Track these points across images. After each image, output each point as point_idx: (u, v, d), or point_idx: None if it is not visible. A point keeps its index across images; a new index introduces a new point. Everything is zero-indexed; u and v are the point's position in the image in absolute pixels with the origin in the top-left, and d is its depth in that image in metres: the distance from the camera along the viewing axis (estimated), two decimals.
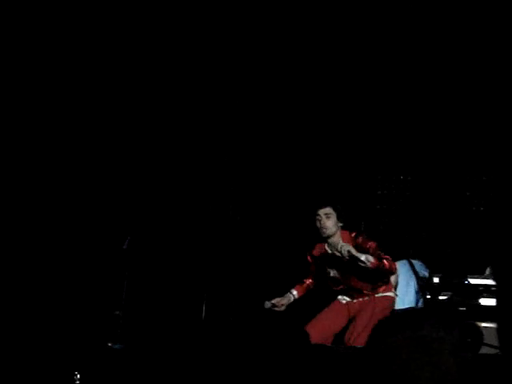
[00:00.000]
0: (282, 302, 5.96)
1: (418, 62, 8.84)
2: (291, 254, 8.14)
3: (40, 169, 8.12)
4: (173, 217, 8.55)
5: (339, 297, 6.04)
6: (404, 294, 7.38)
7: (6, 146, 7.82)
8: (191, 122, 8.87)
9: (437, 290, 7.77)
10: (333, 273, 5.91)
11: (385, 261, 5.55)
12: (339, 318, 5.92)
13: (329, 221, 5.69)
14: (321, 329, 5.80)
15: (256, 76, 8.82)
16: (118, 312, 6.90)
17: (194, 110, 8.84)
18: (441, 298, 7.72)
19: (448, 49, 8.60)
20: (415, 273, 7.63)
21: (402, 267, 7.39)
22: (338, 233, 5.75)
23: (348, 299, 5.98)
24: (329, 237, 5.76)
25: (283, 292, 6.12)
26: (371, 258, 5.43)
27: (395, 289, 6.55)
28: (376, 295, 5.82)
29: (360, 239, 5.69)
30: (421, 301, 7.59)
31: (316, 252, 6.04)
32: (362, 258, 5.41)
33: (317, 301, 6.32)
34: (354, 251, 5.43)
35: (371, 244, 5.64)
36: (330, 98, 9.21)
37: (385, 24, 8.29)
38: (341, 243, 5.56)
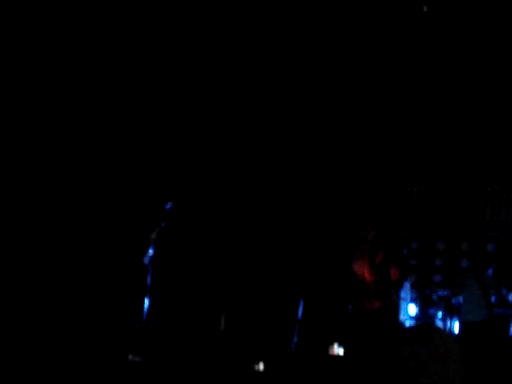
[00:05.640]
0: None
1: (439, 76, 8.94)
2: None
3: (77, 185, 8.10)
4: (192, 232, 8.55)
5: None
6: (475, 307, 8.02)
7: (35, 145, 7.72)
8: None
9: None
10: None
11: None
12: None
13: None
14: None
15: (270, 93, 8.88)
16: (137, 325, 6.97)
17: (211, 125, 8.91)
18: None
19: (466, 65, 8.70)
20: (484, 288, 8.11)
21: (472, 282, 8.08)
22: None
23: None
24: None
25: None
26: None
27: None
28: None
29: None
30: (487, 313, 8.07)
31: None
32: None
33: None
34: None
35: None
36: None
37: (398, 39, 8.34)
38: None
